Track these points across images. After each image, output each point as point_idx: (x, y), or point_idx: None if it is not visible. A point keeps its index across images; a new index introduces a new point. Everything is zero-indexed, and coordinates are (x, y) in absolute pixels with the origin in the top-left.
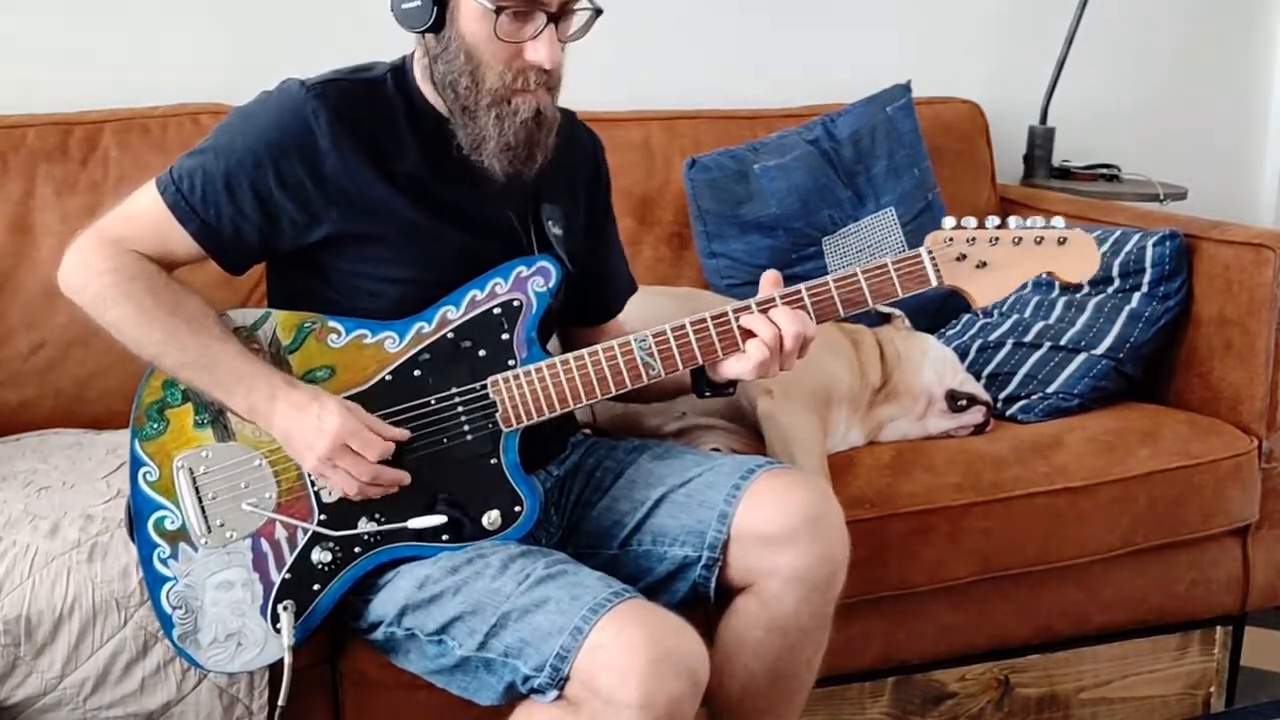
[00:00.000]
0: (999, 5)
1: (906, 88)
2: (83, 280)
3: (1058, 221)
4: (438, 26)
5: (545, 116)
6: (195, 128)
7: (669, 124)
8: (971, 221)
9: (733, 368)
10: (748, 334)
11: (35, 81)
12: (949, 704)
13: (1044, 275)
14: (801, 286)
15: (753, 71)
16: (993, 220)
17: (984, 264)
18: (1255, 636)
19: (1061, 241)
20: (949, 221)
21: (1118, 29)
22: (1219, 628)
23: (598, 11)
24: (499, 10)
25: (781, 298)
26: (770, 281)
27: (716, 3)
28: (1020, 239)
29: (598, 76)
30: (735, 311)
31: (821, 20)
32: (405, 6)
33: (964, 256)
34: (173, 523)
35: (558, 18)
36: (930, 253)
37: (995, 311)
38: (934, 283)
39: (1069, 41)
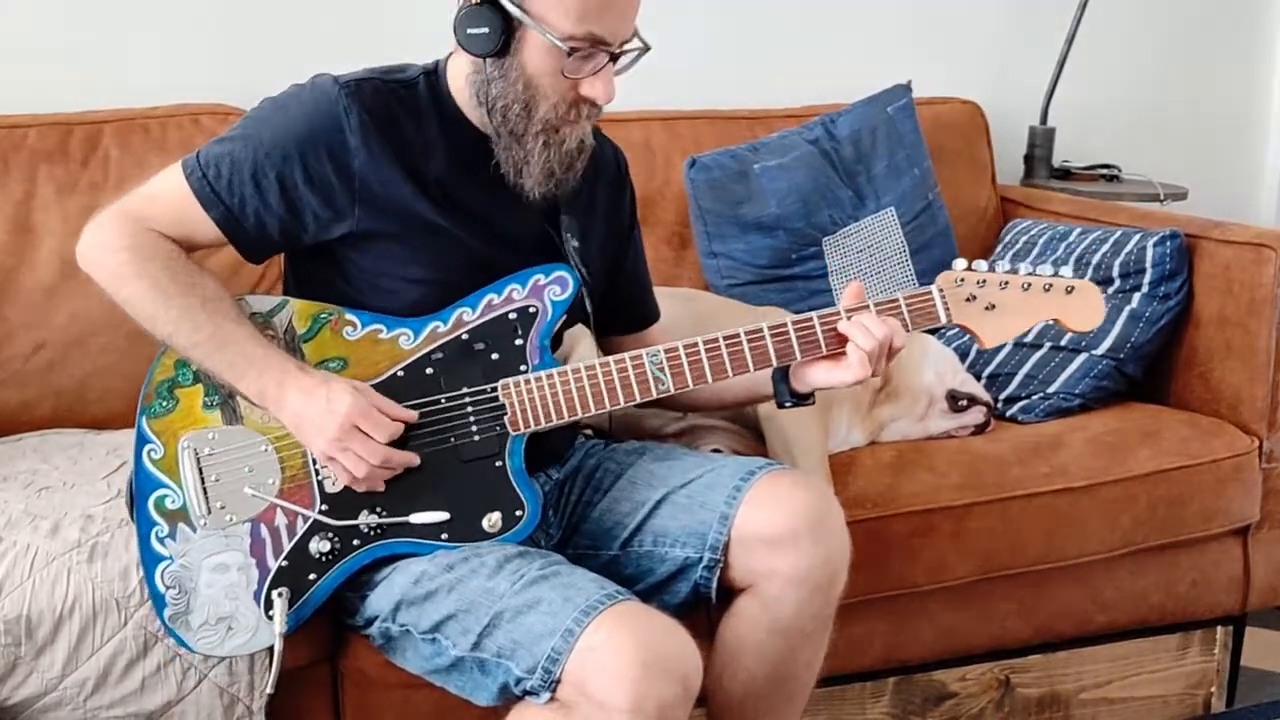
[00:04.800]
0: (999, 5)
1: (907, 88)
2: (100, 256)
3: (1066, 270)
4: (500, 53)
5: (585, 144)
6: (195, 128)
7: (669, 124)
8: (983, 264)
9: (829, 376)
10: (760, 354)
11: (35, 81)
12: (950, 704)
13: (1050, 322)
14: (813, 315)
15: (753, 71)
16: (1003, 265)
17: (992, 306)
18: (1256, 636)
19: (1069, 290)
20: (960, 263)
21: (1118, 29)
22: (1219, 628)
23: (647, 48)
24: (571, 51)
25: (794, 323)
26: (853, 294)
27: (716, 3)
28: (1029, 284)
29: None
30: (748, 333)
31: (821, 20)
32: (470, 32)
33: (973, 298)
34: (173, 502)
35: (616, 56)
36: (941, 291)
37: None
38: (943, 320)
39: (1069, 41)
